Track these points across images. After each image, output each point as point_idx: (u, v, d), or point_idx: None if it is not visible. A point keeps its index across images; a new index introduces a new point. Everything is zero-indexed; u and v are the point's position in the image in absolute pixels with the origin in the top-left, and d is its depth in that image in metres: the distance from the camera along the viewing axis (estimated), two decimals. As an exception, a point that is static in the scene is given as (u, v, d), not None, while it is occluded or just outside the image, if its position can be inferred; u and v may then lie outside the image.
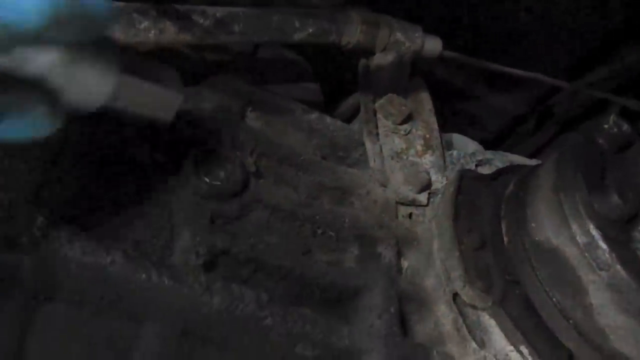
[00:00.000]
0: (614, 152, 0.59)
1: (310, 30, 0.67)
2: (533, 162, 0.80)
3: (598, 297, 0.52)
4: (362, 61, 0.73)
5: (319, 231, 0.62)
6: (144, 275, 0.48)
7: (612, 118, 0.59)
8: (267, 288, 0.55)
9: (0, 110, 0.41)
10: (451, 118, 1.08)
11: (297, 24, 0.67)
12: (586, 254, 0.52)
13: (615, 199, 0.53)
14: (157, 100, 0.49)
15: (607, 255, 0.52)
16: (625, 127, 0.59)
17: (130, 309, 0.49)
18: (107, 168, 0.54)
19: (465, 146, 0.84)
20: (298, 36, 0.67)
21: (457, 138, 0.85)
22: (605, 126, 0.59)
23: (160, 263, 0.51)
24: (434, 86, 0.82)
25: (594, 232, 0.52)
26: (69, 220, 0.49)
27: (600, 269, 0.52)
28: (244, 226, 0.58)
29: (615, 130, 0.59)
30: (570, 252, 0.54)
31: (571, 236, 0.54)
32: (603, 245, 0.52)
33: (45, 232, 0.47)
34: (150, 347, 0.49)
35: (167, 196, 0.56)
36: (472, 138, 0.90)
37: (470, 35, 0.98)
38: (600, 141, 0.59)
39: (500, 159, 0.78)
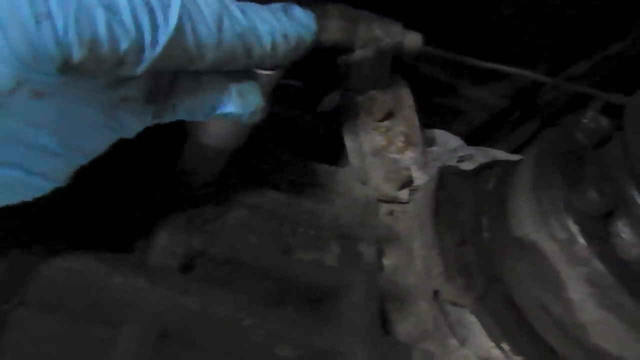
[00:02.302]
0: (593, 147, 0.58)
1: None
2: (515, 157, 0.80)
3: (577, 292, 0.52)
4: (341, 57, 0.73)
5: (299, 230, 0.62)
6: (119, 279, 0.48)
7: (590, 113, 0.59)
8: (246, 289, 0.55)
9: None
10: (435, 113, 1.08)
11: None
12: (565, 249, 0.52)
13: (593, 194, 0.53)
14: None
15: (585, 251, 0.51)
16: (604, 122, 0.59)
17: (107, 313, 0.48)
18: (81, 169, 0.53)
19: (448, 142, 0.84)
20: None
21: (439, 134, 0.85)
22: (584, 121, 0.59)
23: (136, 265, 0.50)
24: (417, 81, 0.82)
25: (573, 228, 0.52)
26: (42, 224, 0.48)
27: (579, 264, 0.52)
28: (222, 226, 0.58)
29: (594, 125, 0.59)
30: (550, 248, 0.54)
31: (550, 232, 0.53)
32: (581, 241, 0.52)
33: (17, 236, 0.46)
34: (127, 351, 0.48)
35: (144, 196, 0.55)
36: (456, 133, 0.90)
37: (453, 29, 0.98)
38: (579, 136, 0.59)
39: (482, 155, 0.78)
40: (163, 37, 0.40)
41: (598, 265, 0.51)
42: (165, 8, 0.40)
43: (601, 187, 0.53)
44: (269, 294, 0.56)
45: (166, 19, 0.40)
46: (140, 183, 0.56)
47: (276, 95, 0.71)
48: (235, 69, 0.46)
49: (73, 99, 0.41)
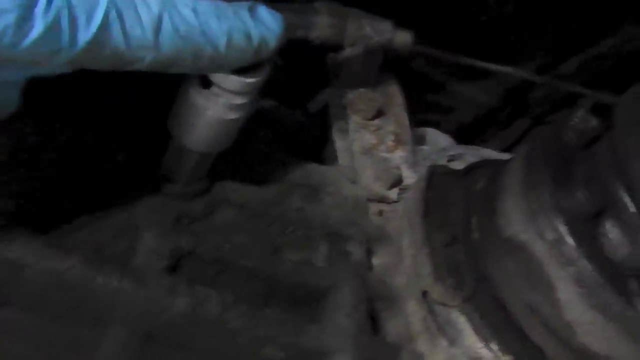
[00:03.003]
0: (582, 147, 0.58)
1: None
2: (505, 156, 0.80)
3: (566, 292, 0.52)
4: (331, 56, 0.73)
5: (288, 229, 0.61)
6: (104, 280, 0.47)
7: (579, 113, 0.59)
8: (234, 289, 0.54)
9: None
10: (425, 110, 1.08)
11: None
12: (553, 250, 0.52)
13: (582, 194, 0.52)
14: None
15: (574, 251, 0.51)
16: (593, 122, 0.59)
17: (92, 314, 0.48)
18: (65, 168, 0.52)
19: (438, 141, 0.84)
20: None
21: (429, 132, 0.85)
22: (573, 121, 0.59)
23: (122, 266, 0.50)
24: (408, 79, 0.81)
25: (561, 228, 0.52)
26: (25, 224, 0.47)
27: (567, 265, 0.52)
28: (210, 225, 0.57)
29: (583, 125, 0.58)
30: (538, 248, 0.53)
31: (538, 232, 0.53)
32: (570, 241, 0.52)
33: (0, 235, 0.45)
34: (112, 352, 0.48)
35: (130, 197, 0.54)
36: (447, 130, 0.90)
37: (443, 27, 0.97)
38: (568, 136, 0.59)
39: (472, 154, 0.78)
40: (83, 38, 0.39)
41: (586, 265, 0.51)
42: (90, 9, 0.39)
43: (590, 188, 0.53)
44: (257, 295, 0.56)
45: (89, 20, 0.39)
46: (125, 182, 0.55)
47: (265, 93, 0.71)
48: (185, 72, 0.46)
49: None
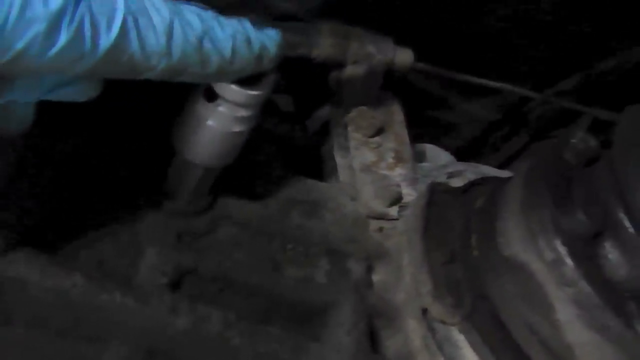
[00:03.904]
0: (581, 167, 0.59)
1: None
2: (505, 173, 0.81)
3: (564, 313, 0.52)
4: (333, 74, 0.73)
5: (289, 246, 0.62)
6: (107, 297, 0.48)
7: (579, 133, 0.59)
8: (235, 306, 0.55)
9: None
10: (425, 126, 1.09)
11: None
12: (552, 270, 0.53)
13: (581, 215, 0.53)
14: None
15: (573, 272, 0.52)
16: (592, 142, 0.59)
17: (94, 331, 0.48)
18: (68, 185, 0.53)
19: (438, 157, 0.85)
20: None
21: (429, 149, 0.86)
22: (573, 141, 0.60)
23: (124, 283, 0.50)
24: (408, 95, 0.82)
25: (560, 249, 0.52)
26: (29, 241, 0.48)
27: (566, 285, 0.52)
28: (212, 243, 0.57)
29: (583, 145, 0.59)
30: (537, 268, 0.54)
31: (538, 252, 0.54)
32: (569, 262, 0.52)
33: (4, 254, 0.46)
34: (114, 369, 0.48)
35: (132, 213, 0.55)
36: (446, 145, 0.90)
37: (444, 45, 0.98)
38: (568, 156, 0.59)
39: (472, 171, 0.78)
40: (104, 44, 0.39)
41: (585, 286, 0.51)
42: (110, 15, 0.39)
43: (589, 209, 0.54)
44: (258, 312, 0.56)
45: (109, 26, 0.39)
46: (127, 199, 0.56)
47: (266, 111, 0.71)
48: (192, 80, 0.46)
49: None
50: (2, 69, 0.38)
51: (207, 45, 0.44)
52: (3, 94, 0.43)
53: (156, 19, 0.42)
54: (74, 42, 0.38)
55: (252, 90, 0.50)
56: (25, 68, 0.38)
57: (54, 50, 0.38)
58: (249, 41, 0.46)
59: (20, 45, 0.37)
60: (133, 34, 0.41)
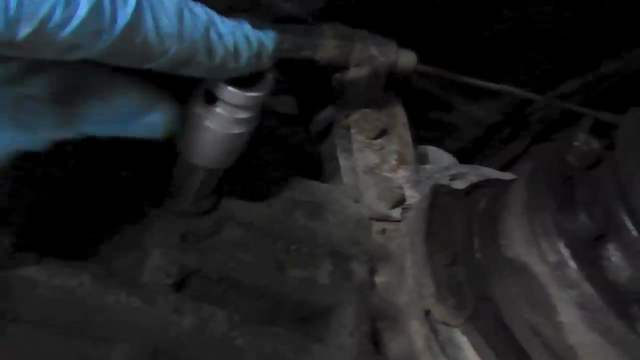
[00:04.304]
0: (583, 170, 0.59)
1: (284, 45, 0.67)
2: (507, 175, 0.81)
3: (567, 315, 0.53)
4: (336, 76, 0.73)
5: (292, 247, 0.62)
6: (113, 297, 0.48)
7: (582, 135, 0.60)
8: (239, 307, 0.55)
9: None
10: (428, 128, 1.09)
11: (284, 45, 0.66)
12: (555, 272, 0.53)
13: (583, 217, 0.53)
14: None
15: (576, 274, 0.52)
16: (595, 144, 0.60)
17: (100, 331, 0.49)
18: (75, 187, 0.53)
19: (440, 159, 0.85)
20: (271, 51, 0.67)
21: (432, 151, 0.86)
22: (575, 144, 0.60)
23: (130, 283, 0.51)
24: (410, 97, 0.82)
25: (563, 251, 0.53)
26: (37, 242, 0.48)
27: (569, 287, 0.52)
28: (216, 244, 0.58)
29: (585, 147, 0.59)
30: (540, 270, 0.54)
31: (541, 254, 0.54)
32: (572, 264, 0.52)
33: (12, 254, 0.46)
34: (119, 368, 0.48)
35: (138, 214, 0.55)
36: (449, 147, 0.90)
37: (447, 47, 0.99)
38: (570, 158, 0.59)
39: (474, 173, 0.79)
40: (122, 19, 0.39)
41: (588, 288, 0.52)
42: None
43: (592, 211, 0.54)
44: (262, 312, 0.56)
45: (125, 2, 0.39)
46: (133, 200, 0.56)
47: (269, 112, 0.72)
48: (198, 74, 0.46)
49: None
50: (25, 46, 0.37)
51: (213, 35, 0.44)
52: (73, 125, 0.44)
53: (167, 3, 0.42)
54: (93, 16, 0.38)
55: (251, 92, 0.50)
56: (46, 43, 0.38)
57: (74, 22, 0.37)
58: (247, 38, 0.47)
59: (43, 10, 0.36)
60: (148, 13, 0.40)
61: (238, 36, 0.46)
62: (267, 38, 0.48)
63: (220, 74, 0.48)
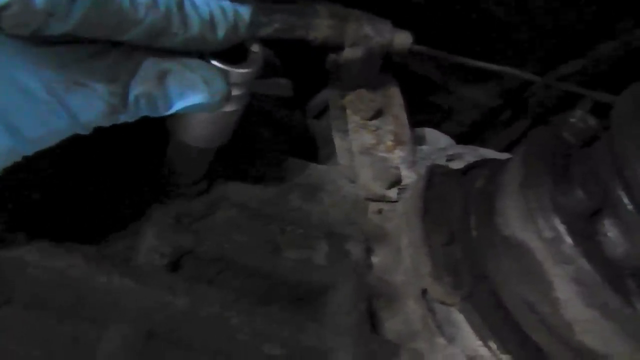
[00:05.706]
0: (580, 147, 0.59)
1: (277, 26, 0.67)
2: (504, 156, 0.80)
3: (564, 291, 0.52)
4: (331, 56, 0.73)
5: (288, 228, 0.62)
6: (105, 278, 0.48)
7: (578, 113, 0.59)
8: (234, 287, 0.55)
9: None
10: (425, 111, 1.09)
11: (262, 19, 0.66)
12: (551, 248, 0.53)
13: (579, 193, 0.53)
14: None
15: (572, 250, 0.52)
16: (592, 121, 0.59)
17: (93, 312, 0.48)
18: (67, 168, 0.53)
19: (437, 141, 0.84)
20: (264, 31, 0.66)
21: (429, 132, 0.85)
22: (572, 120, 0.59)
23: (123, 264, 0.50)
24: (408, 79, 0.82)
25: (559, 227, 0.52)
26: (28, 223, 0.48)
27: (565, 263, 0.52)
28: (211, 225, 0.57)
29: (582, 124, 0.59)
30: (536, 247, 0.54)
31: (537, 231, 0.54)
32: (568, 240, 0.52)
33: (2, 235, 0.46)
34: (114, 350, 0.48)
35: (131, 195, 0.55)
36: (447, 131, 0.90)
37: (443, 28, 0.98)
38: (567, 135, 0.59)
39: (471, 154, 0.78)
40: None
41: (584, 264, 0.51)
42: None
43: (588, 187, 0.53)
44: (257, 293, 0.56)
45: None
46: (127, 181, 0.56)
47: (265, 95, 0.71)
48: (173, 45, 0.45)
49: (9, 64, 0.40)
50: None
51: (187, 4, 0.44)
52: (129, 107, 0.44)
53: None
54: None
55: (239, 68, 0.49)
56: (24, 12, 0.37)
57: None
58: (222, 8, 0.46)
59: None
60: None
61: (213, 6, 0.46)
62: (244, 8, 0.48)
63: (199, 46, 0.47)
